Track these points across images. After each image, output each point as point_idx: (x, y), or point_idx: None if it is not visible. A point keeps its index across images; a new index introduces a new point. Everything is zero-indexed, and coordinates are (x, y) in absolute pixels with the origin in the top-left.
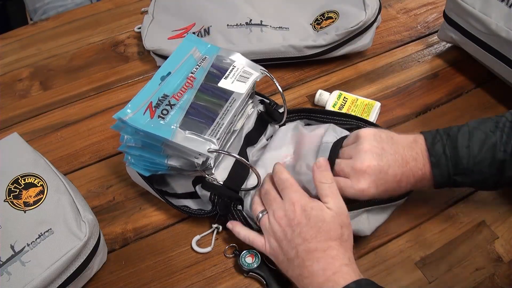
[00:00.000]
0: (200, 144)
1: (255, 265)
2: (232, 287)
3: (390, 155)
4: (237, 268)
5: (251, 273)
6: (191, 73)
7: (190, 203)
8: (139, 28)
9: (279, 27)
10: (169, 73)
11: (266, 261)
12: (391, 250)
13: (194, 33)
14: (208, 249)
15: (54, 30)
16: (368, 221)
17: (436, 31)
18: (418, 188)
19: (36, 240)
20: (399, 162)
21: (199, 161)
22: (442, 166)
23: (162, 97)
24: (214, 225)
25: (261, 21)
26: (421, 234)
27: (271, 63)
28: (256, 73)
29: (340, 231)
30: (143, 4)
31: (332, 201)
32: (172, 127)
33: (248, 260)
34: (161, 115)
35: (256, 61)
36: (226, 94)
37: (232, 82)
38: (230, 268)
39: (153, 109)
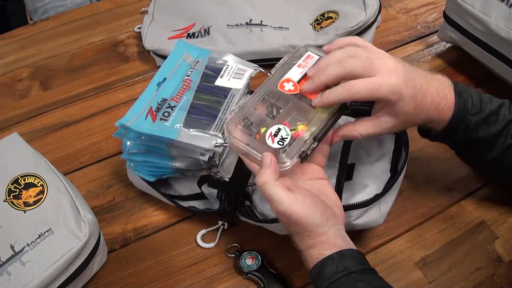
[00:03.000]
0: (206, 140)
1: (255, 267)
2: (232, 287)
3: (413, 70)
4: (237, 268)
5: (250, 274)
6: (187, 76)
7: (196, 204)
8: (139, 28)
9: (279, 27)
10: (165, 79)
11: (266, 264)
12: (391, 250)
13: (194, 33)
14: (212, 244)
15: (54, 30)
16: (379, 209)
17: (436, 31)
18: (434, 118)
19: (36, 240)
20: (423, 78)
21: (205, 158)
22: (464, 97)
23: (161, 101)
24: (221, 222)
25: (261, 21)
26: (421, 234)
27: (271, 63)
28: (250, 69)
29: (290, 229)
30: (143, 4)
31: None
32: (176, 127)
33: (248, 261)
34: (163, 118)
35: (256, 61)
36: (224, 91)
37: (228, 79)
38: (230, 268)
39: (154, 113)
